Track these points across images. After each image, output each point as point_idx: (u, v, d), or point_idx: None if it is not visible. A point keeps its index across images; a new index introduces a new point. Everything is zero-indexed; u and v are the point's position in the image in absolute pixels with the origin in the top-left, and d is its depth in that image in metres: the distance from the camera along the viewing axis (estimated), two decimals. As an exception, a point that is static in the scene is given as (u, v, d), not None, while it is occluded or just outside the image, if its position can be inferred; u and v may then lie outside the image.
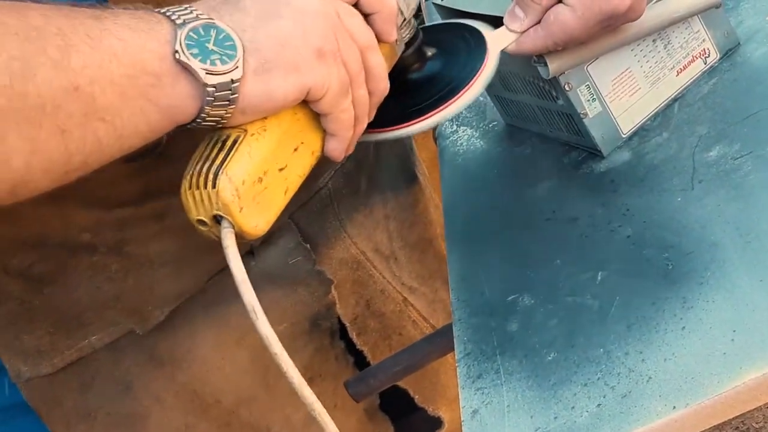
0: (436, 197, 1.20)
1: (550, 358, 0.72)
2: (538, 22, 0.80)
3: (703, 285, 0.68)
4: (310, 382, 1.08)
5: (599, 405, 0.66)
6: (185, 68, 0.65)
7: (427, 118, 0.80)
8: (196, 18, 0.66)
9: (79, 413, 1.05)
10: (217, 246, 0.99)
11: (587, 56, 0.83)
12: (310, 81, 0.69)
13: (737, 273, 0.67)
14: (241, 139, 0.69)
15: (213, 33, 0.66)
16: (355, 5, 0.74)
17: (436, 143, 1.09)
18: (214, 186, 0.67)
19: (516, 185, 0.93)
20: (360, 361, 1.12)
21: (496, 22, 0.82)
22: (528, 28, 0.80)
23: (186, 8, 0.67)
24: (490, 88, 1.00)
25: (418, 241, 1.18)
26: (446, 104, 0.80)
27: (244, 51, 0.67)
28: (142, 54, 0.64)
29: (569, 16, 0.77)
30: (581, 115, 0.85)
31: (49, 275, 0.93)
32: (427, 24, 0.87)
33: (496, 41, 0.83)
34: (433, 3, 0.95)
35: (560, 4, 0.78)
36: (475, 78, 0.81)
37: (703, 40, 0.89)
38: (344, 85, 0.72)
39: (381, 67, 0.75)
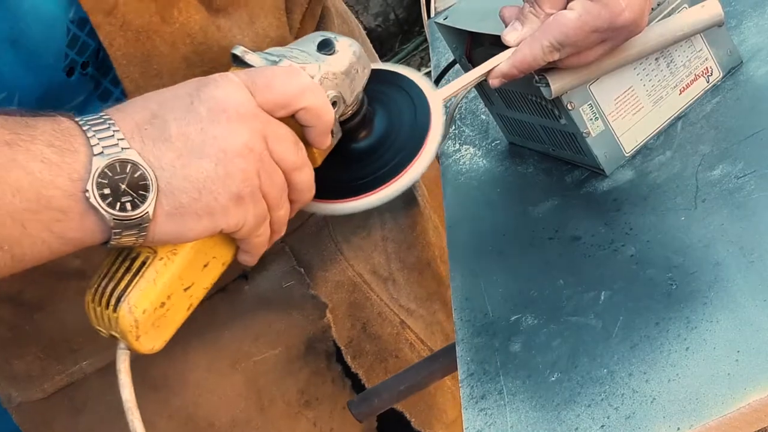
0: (435, 219, 1.20)
1: (553, 378, 0.71)
2: None
3: (707, 305, 0.68)
4: (306, 405, 1.08)
5: (603, 426, 0.65)
6: (93, 208, 0.64)
7: (376, 192, 0.79)
8: (115, 146, 0.65)
9: None
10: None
11: (590, 75, 0.83)
12: (222, 224, 0.69)
13: (741, 293, 0.67)
14: (149, 262, 0.68)
15: (129, 170, 0.65)
16: (292, 116, 0.72)
17: (438, 162, 1.09)
18: (114, 311, 0.68)
19: (518, 204, 0.93)
20: (358, 384, 1.12)
21: (499, 41, 0.82)
22: (522, 40, 0.80)
23: (108, 127, 0.66)
24: (492, 107, 1.00)
25: (417, 263, 1.17)
26: (395, 179, 0.79)
27: (158, 192, 0.66)
28: (49, 190, 0.63)
29: (568, 18, 0.77)
30: (584, 135, 0.85)
31: (38, 301, 0.93)
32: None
33: (436, 99, 0.82)
34: (435, 22, 0.95)
35: (561, 10, 0.78)
36: (423, 148, 0.79)
37: (706, 59, 0.89)
38: (261, 217, 0.71)
39: (306, 182, 0.74)
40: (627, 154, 0.88)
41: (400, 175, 0.79)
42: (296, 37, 0.98)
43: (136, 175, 0.65)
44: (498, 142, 1.05)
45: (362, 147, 0.82)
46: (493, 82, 0.82)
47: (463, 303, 0.85)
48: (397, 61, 3.73)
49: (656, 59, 0.87)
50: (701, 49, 0.88)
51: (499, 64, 0.81)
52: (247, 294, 1.03)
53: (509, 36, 0.81)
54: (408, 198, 1.18)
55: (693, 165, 0.81)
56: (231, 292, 1.02)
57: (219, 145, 0.67)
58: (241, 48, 0.75)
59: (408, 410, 1.14)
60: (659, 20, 0.85)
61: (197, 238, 0.69)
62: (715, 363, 0.64)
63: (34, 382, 1.00)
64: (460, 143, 1.09)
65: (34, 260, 0.66)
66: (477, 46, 0.94)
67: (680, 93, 0.88)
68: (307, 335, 1.07)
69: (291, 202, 0.74)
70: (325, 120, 0.74)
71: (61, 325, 0.95)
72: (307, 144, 0.74)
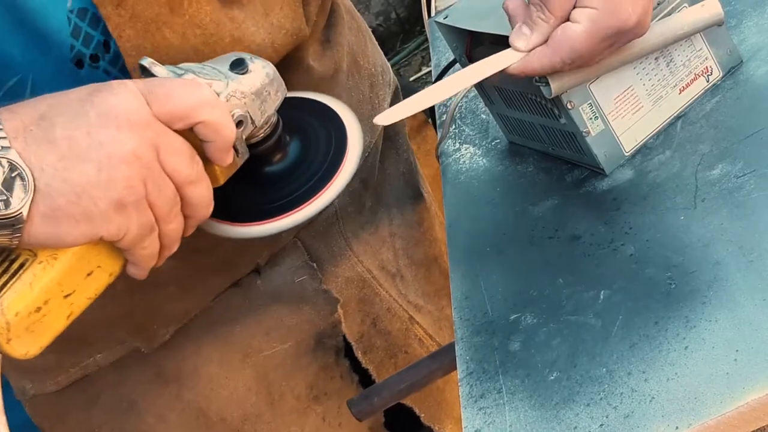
0: (440, 215, 1.20)
1: (552, 377, 0.71)
2: (545, 41, 0.78)
3: (706, 304, 0.68)
4: (315, 400, 1.09)
5: (602, 425, 0.65)
6: None
7: (289, 215, 0.79)
8: None
9: (83, 430, 1.05)
10: (222, 266, 1.00)
11: (590, 75, 0.83)
12: (102, 231, 0.67)
13: (740, 292, 0.67)
14: (27, 264, 0.67)
15: (6, 168, 0.64)
16: (191, 130, 0.71)
17: (438, 161, 1.09)
18: None
19: (518, 203, 0.93)
20: (365, 379, 1.12)
21: (500, 41, 0.82)
22: (534, 47, 0.78)
23: None
24: (492, 106, 1.00)
25: (424, 259, 1.18)
26: (307, 203, 0.79)
27: (35, 193, 0.65)
28: None
29: (577, 33, 0.76)
30: (584, 134, 0.85)
31: None
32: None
33: (355, 129, 0.82)
34: (435, 21, 0.95)
35: (567, 22, 0.77)
36: (334, 177, 0.80)
37: (706, 58, 0.89)
38: (145, 227, 0.70)
39: (202, 198, 0.73)
40: (627, 154, 0.88)
41: (310, 201, 0.79)
42: (312, 31, 0.98)
43: (13, 175, 0.64)
44: (498, 141, 1.05)
45: (275, 171, 0.82)
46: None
47: (462, 302, 0.86)
48: (399, 60, 3.74)
49: (656, 58, 0.87)
50: (701, 49, 0.88)
51: (510, 66, 0.80)
52: (260, 289, 1.04)
53: (519, 43, 0.79)
54: (414, 194, 1.18)
55: (692, 164, 0.81)
56: (244, 287, 1.03)
57: (104, 151, 0.66)
58: (149, 60, 0.74)
59: (417, 405, 1.15)
60: (659, 19, 0.85)
61: (76, 244, 0.67)
62: (714, 362, 0.64)
63: (48, 374, 1.01)
64: (460, 142, 1.09)
65: None
66: (477, 45, 0.94)
67: (680, 92, 0.88)
68: (317, 330, 1.08)
69: (186, 217, 0.73)
70: (224, 136, 0.72)
71: (77, 318, 0.95)
72: (207, 160, 0.73)
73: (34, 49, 0.79)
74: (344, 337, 1.10)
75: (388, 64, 1.20)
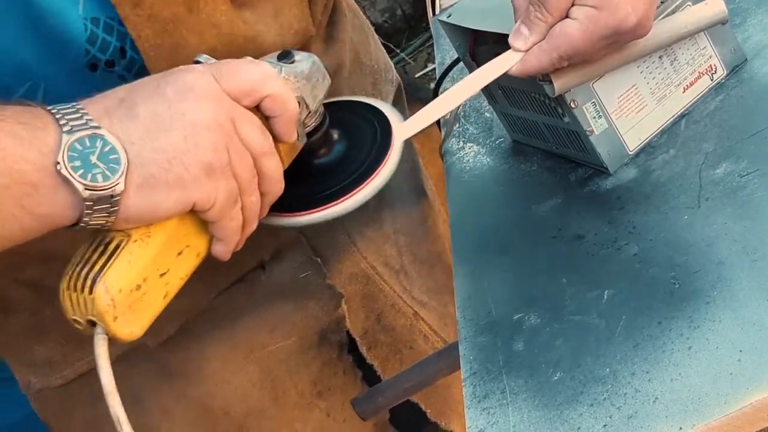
0: (444, 212, 1.20)
1: (556, 377, 0.71)
2: (543, 41, 0.78)
3: (710, 304, 0.68)
4: (319, 396, 1.09)
5: (605, 426, 0.65)
6: (65, 180, 0.64)
7: (330, 206, 0.81)
8: (85, 125, 0.66)
9: (88, 425, 1.06)
10: (226, 262, 1.00)
11: (593, 74, 0.83)
12: (195, 197, 0.69)
13: (744, 292, 0.67)
14: (123, 244, 0.69)
15: (99, 144, 0.65)
16: (257, 107, 0.74)
17: (443, 159, 1.09)
18: (90, 292, 0.68)
19: (522, 202, 0.93)
20: (369, 374, 1.12)
21: (503, 40, 0.82)
22: (532, 46, 0.79)
23: (77, 111, 0.67)
24: (496, 105, 1.00)
25: (428, 256, 1.18)
26: (351, 193, 0.81)
27: (128, 165, 0.66)
28: (20, 164, 0.63)
29: (574, 29, 0.76)
30: (587, 133, 0.85)
31: (58, 287, 0.94)
32: (332, 99, 0.88)
33: (402, 129, 0.84)
34: (439, 20, 0.95)
35: (566, 19, 0.77)
36: (379, 168, 0.82)
37: (710, 57, 0.88)
38: (232, 195, 0.72)
39: (275, 171, 0.75)
40: (630, 153, 0.87)
41: (357, 189, 0.82)
42: (316, 28, 0.98)
43: (106, 149, 0.66)
44: (502, 139, 1.04)
45: (322, 164, 0.85)
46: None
47: (466, 301, 0.86)
48: (405, 56, 3.73)
49: (660, 57, 0.86)
50: (705, 47, 0.88)
51: (511, 68, 0.80)
52: (265, 284, 1.04)
53: (518, 43, 0.79)
54: (418, 191, 1.19)
55: (696, 163, 0.81)
56: (248, 283, 1.03)
57: (187, 119, 0.69)
58: (205, 56, 0.77)
59: (423, 401, 1.15)
60: (663, 18, 0.84)
61: (170, 212, 0.69)
62: (718, 362, 0.64)
63: (54, 368, 1.01)
64: (464, 141, 1.09)
65: (5, 239, 0.66)
66: (480, 44, 0.94)
67: (684, 91, 0.88)
68: (321, 326, 1.08)
69: (262, 194, 0.75)
70: (290, 109, 0.75)
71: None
72: (274, 138, 0.75)
73: (47, 54, 0.79)
74: (348, 332, 1.10)
75: (391, 63, 1.20)
